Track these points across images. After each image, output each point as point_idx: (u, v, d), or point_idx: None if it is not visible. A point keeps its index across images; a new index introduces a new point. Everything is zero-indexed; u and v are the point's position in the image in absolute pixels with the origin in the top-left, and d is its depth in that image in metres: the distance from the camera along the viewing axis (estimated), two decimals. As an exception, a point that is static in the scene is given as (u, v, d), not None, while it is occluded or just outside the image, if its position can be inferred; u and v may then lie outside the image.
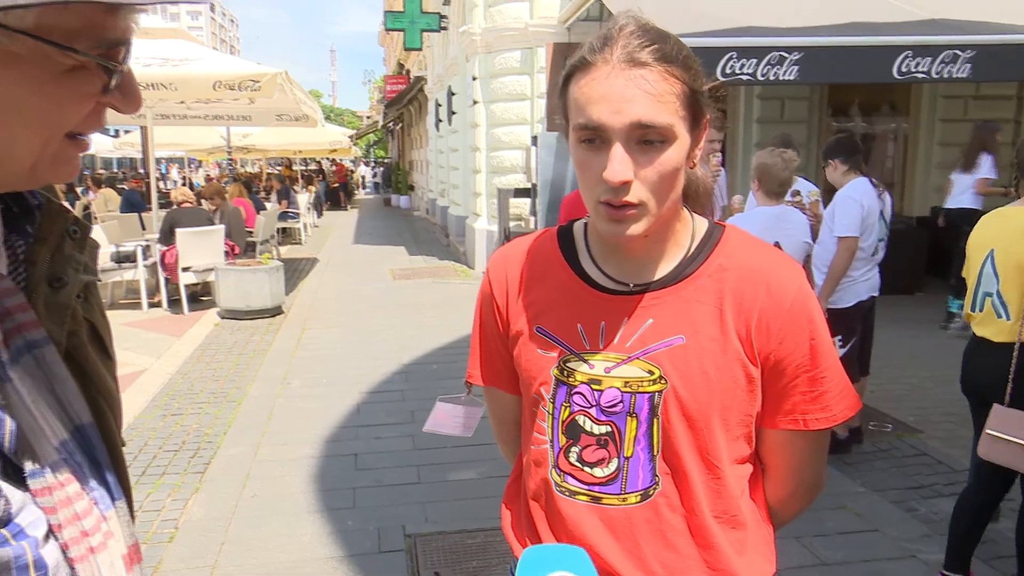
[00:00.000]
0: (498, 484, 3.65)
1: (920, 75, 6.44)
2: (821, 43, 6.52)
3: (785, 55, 6.56)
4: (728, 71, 6.47)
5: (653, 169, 0.98)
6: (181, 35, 9.13)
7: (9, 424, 0.69)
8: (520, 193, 9.80)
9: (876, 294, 4.34)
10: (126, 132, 21.69)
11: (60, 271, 0.77)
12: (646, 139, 0.97)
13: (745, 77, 6.52)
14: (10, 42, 0.59)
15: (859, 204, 4.12)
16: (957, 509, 2.93)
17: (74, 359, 0.78)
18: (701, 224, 1.15)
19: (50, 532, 0.71)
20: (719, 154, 4.76)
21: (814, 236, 4.11)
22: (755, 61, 6.51)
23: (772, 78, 6.58)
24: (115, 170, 31.54)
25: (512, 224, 9.88)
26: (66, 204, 0.79)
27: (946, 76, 6.41)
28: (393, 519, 3.60)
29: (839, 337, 4.17)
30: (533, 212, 9.28)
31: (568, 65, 1.04)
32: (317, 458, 4.35)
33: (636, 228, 1.02)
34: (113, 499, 0.78)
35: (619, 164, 0.97)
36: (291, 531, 3.52)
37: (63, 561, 0.71)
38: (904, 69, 6.44)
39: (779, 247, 3.56)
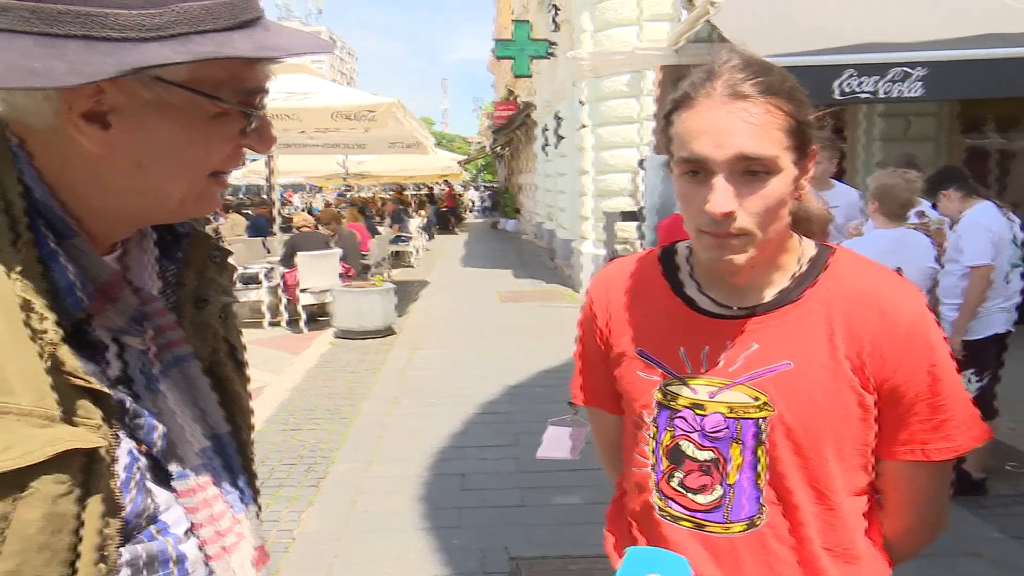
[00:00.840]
0: (603, 511, 3.61)
1: (1063, 88, 6.00)
2: (949, 57, 6.19)
3: (909, 71, 6.26)
4: (846, 89, 6.24)
5: (757, 200, 0.98)
6: (304, 69, 9.67)
7: (160, 430, 0.76)
8: (627, 216, 9.74)
9: (1012, 328, 4.04)
10: (252, 160, 23.09)
11: (204, 292, 0.85)
12: (750, 170, 0.98)
13: (864, 95, 6.27)
14: (168, 94, 0.67)
15: (987, 229, 3.87)
16: None
17: (214, 373, 0.85)
18: (810, 247, 1.13)
19: (190, 530, 0.78)
20: (835, 207, 4.50)
21: (940, 262, 3.88)
22: (875, 78, 6.25)
23: (894, 95, 6.29)
24: (242, 196, 33.55)
25: (619, 247, 9.83)
26: (208, 232, 0.87)
27: (1094, 88, 5.94)
28: (497, 540, 3.63)
29: (974, 371, 3.90)
30: (640, 236, 9.21)
31: (671, 100, 1.06)
32: (425, 476, 4.45)
33: (739, 257, 1.01)
34: (245, 503, 0.84)
35: (722, 196, 0.97)
36: (399, 547, 3.60)
37: (201, 557, 0.78)
38: (1044, 82, 6.01)
39: (899, 272, 3.39)
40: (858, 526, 1.09)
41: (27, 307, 0.64)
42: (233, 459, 0.85)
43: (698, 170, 1.00)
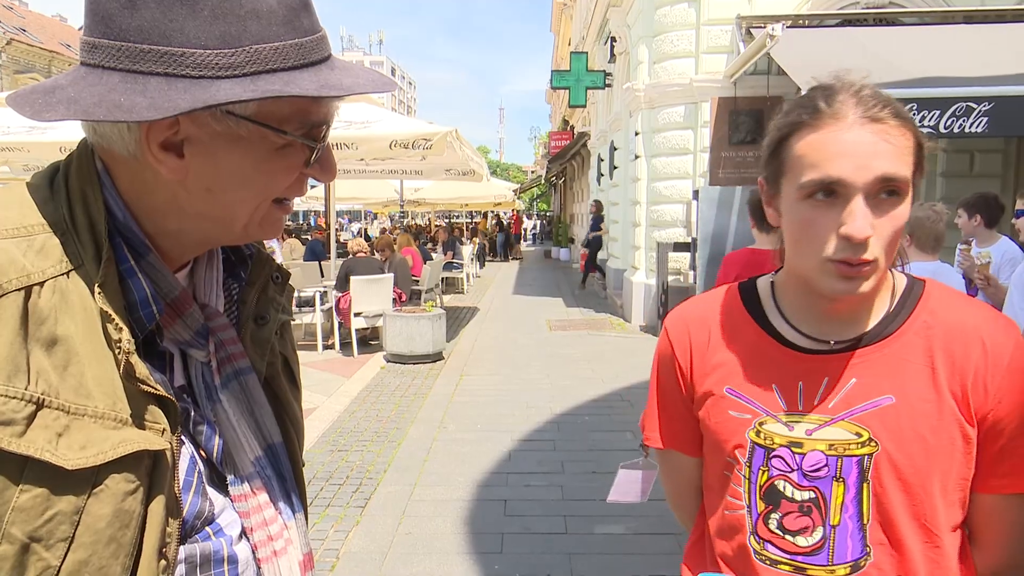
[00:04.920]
0: (645, 541, 3.57)
1: None
2: (1015, 92, 6.06)
3: (973, 105, 6.15)
4: (906, 124, 6.14)
5: (889, 224, 0.97)
6: (364, 99, 9.92)
7: (217, 439, 0.81)
8: (679, 247, 9.71)
9: None
10: (311, 187, 23.70)
11: (264, 310, 0.91)
12: (886, 191, 0.96)
13: (926, 130, 6.13)
14: (237, 127, 0.73)
15: None
16: None
17: (270, 386, 0.91)
18: (900, 279, 1.12)
19: (243, 534, 0.83)
20: None
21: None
22: (938, 113, 6.16)
23: (957, 131, 6.18)
24: (300, 222, 34.41)
25: (671, 278, 9.77)
26: (270, 255, 0.93)
27: None
28: (539, 567, 3.62)
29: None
30: (692, 266, 9.14)
31: (785, 124, 1.03)
32: (468, 501, 4.47)
33: (867, 285, 0.98)
34: (294, 511, 0.89)
35: (862, 220, 0.94)
36: (441, 570, 3.62)
37: (252, 559, 0.83)
38: (1116, 118, 5.83)
39: None
40: (957, 562, 1.07)
41: (106, 318, 0.70)
42: (285, 468, 0.90)
43: (828, 194, 0.97)
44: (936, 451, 1.01)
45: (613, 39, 13.86)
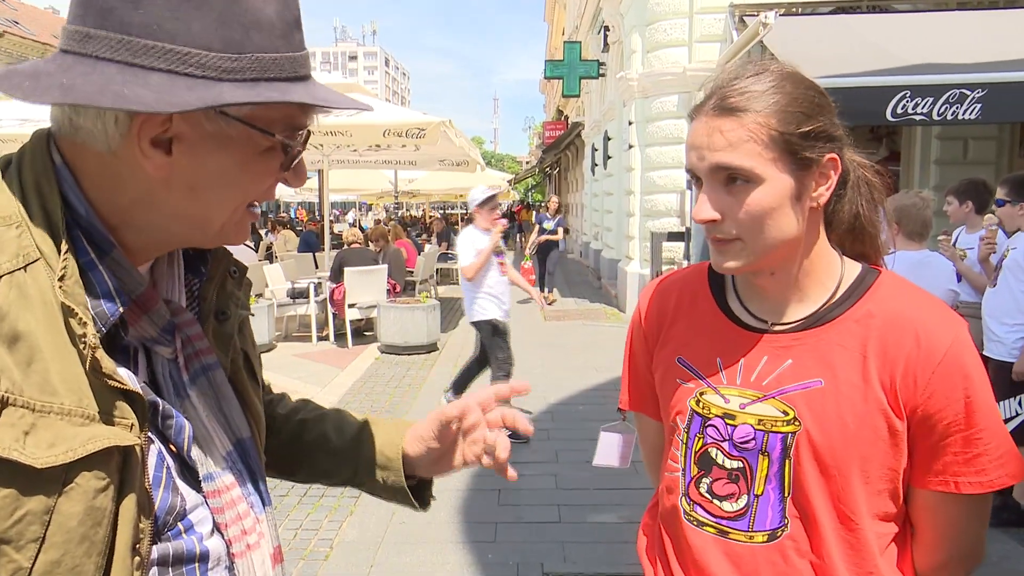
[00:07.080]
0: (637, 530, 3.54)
1: None
2: (1009, 79, 6.03)
3: (967, 92, 6.11)
4: (899, 111, 6.12)
5: (741, 208, 1.03)
6: (357, 89, 9.88)
7: (188, 430, 0.80)
8: (673, 237, 9.70)
9: None
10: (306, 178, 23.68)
11: (223, 305, 0.90)
12: (732, 179, 1.03)
13: (919, 117, 6.14)
14: (228, 127, 0.73)
15: None
16: None
17: (232, 382, 0.90)
18: (852, 268, 1.13)
19: (216, 529, 0.82)
20: None
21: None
22: (931, 100, 6.12)
23: (951, 117, 6.15)
24: (293, 214, 34.36)
25: (664, 268, 9.77)
26: (227, 248, 0.92)
27: None
28: (532, 556, 3.62)
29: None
30: (687, 256, 9.15)
31: (689, 114, 1.13)
32: (462, 491, 4.47)
33: (733, 262, 1.06)
34: (264, 505, 0.88)
35: (700, 204, 1.05)
36: (434, 559, 3.63)
37: (225, 554, 0.82)
38: (1109, 104, 5.82)
39: None
40: (882, 552, 1.08)
41: (68, 312, 0.69)
42: (255, 462, 0.89)
43: (698, 180, 1.07)
44: (856, 438, 1.03)
45: (606, 28, 13.81)
